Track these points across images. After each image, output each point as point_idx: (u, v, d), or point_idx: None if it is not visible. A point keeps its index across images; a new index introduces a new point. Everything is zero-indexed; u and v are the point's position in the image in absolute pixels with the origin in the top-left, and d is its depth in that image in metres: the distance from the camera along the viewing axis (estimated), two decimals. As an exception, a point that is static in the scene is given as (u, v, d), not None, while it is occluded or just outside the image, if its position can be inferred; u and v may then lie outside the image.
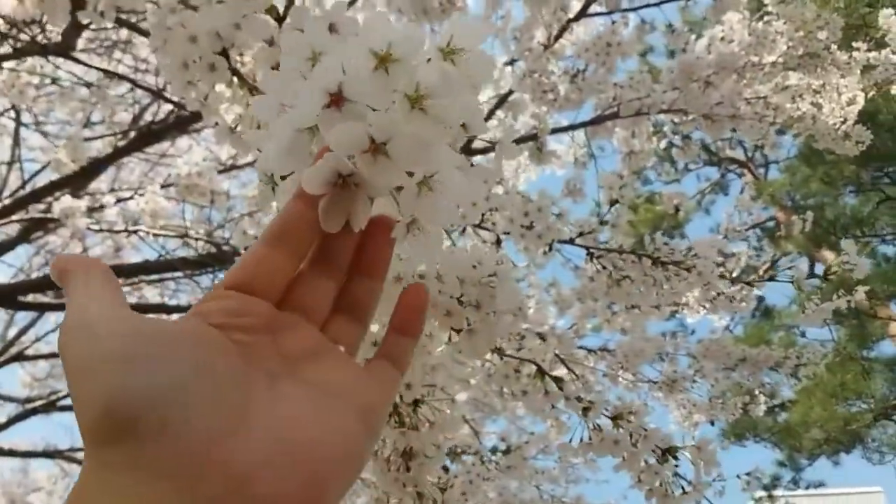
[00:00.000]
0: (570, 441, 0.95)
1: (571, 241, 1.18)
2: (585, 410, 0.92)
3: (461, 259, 0.73)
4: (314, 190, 0.37)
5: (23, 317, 4.79)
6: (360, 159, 0.37)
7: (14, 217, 2.27)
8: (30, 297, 2.33)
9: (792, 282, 1.65)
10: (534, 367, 1.10)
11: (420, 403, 0.90)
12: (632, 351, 2.18)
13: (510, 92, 2.38)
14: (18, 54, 1.46)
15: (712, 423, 3.15)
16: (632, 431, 0.92)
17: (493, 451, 1.54)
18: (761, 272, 2.33)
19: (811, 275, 1.80)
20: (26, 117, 3.07)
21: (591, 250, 1.17)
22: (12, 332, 4.77)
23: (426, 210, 0.40)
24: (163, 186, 2.56)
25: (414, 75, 0.37)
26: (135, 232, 2.03)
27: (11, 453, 4.22)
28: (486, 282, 0.73)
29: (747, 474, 2.83)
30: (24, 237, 2.90)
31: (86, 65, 1.63)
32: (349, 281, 0.41)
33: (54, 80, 2.22)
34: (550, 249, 1.17)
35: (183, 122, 2.32)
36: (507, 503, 1.95)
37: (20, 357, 4.44)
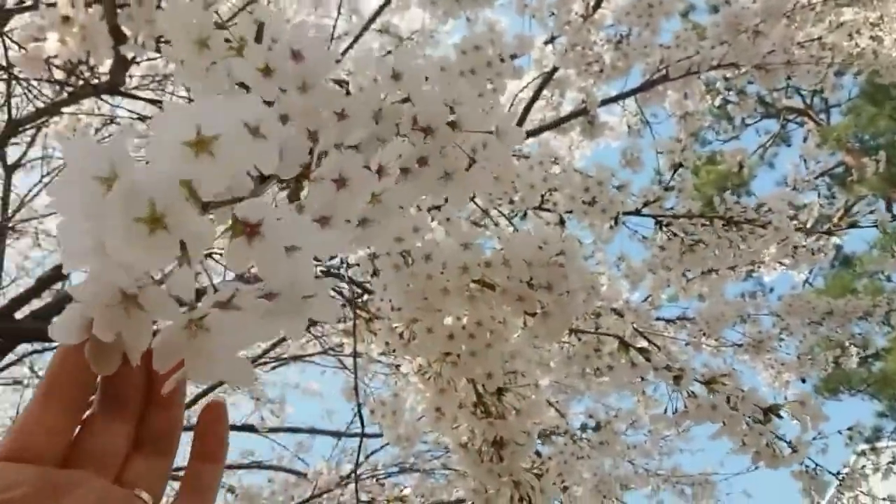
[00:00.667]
0: (665, 412, 0.93)
1: (638, 212, 1.15)
2: (677, 379, 0.90)
3: (526, 242, 0.72)
4: (66, 340, 0.33)
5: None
6: (107, 315, 0.31)
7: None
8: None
9: (876, 225, 1.57)
10: (614, 345, 1.08)
11: (504, 392, 0.89)
12: (712, 316, 2.12)
13: (554, 70, 2.34)
14: (73, 98, 1.51)
15: (803, 381, 3.06)
16: (728, 395, 0.89)
17: (583, 428, 1.52)
18: (836, 220, 2.23)
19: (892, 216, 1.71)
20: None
21: (660, 219, 1.14)
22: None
23: (195, 359, 0.33)
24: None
25: (140, 193, 0.30)
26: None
27: None
28: (554, 262, 0.71)
29: (849, 429, 2.73)
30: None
31: (138, 98, 1.68)
32: (146, 413, 0.37)
33: (112, 120, 2.30)
34: (616, 223, 1.14)
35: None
36: (602, 482, 1.93)
37: None
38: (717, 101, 3.15)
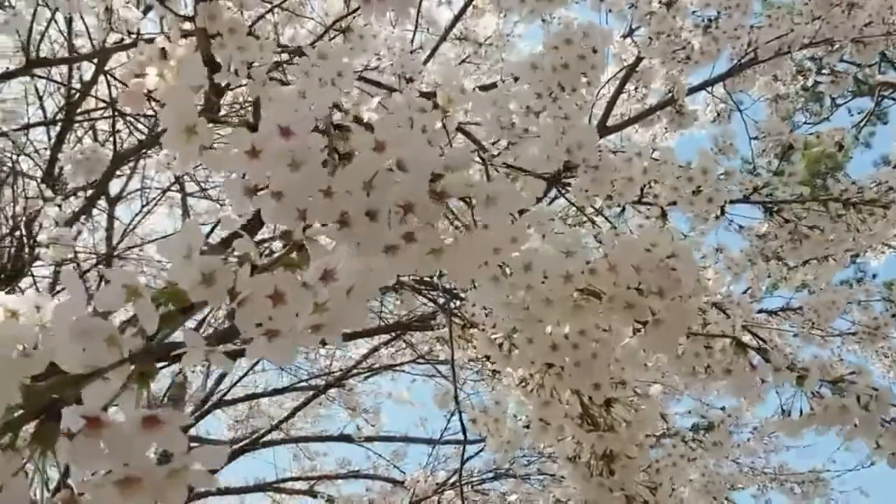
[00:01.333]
0: (787, 413, 0.87)
1: (746, 199, 1.09)
2: (800, 379, 0.84)
3: (632, 245, 0.68)
4: None
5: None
6: None
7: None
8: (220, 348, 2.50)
9: None
10: (725, 342, 1.02)
11: (612, 403, 0.86)
12: (822, 305, 2.00)
13: (636, 63, 2.27)
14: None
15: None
16: (858, 395, 0.83)
17: (695, 429, 1.45)
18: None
19: None
20: (190, 187, 3.33)
21: (769, 206, 1.07)
22: (210, 382, 5.17)
23: None
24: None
25: None
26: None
27: (228, 491, 4.52)
28: (664, 265, 0.67)
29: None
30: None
31: (230, 124, 1.74)
32: None
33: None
34: (722, 213, 1.09)
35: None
36: (711, 482, 1.85)
37: (221, 403, 4.82)
38: (809, 82, 3.00)
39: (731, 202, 1.09)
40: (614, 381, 0.81)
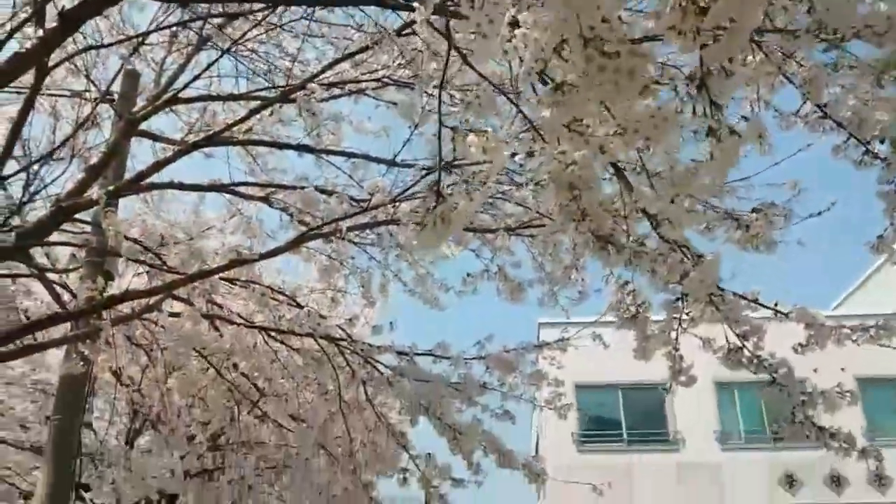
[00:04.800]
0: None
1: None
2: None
3: None
4: None
5: (171, 61, 5.09)
6: None
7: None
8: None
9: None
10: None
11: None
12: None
13: None
14: None
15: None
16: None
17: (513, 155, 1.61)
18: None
19: None
20: None
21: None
22: (164, 79, 4.98)
23: None
24: None
25: None
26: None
27: (182, 186, 4.49)
28: None
29: None
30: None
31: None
32: None
33: None
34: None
35: None
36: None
37: (175, 101, 4.60)
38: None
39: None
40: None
